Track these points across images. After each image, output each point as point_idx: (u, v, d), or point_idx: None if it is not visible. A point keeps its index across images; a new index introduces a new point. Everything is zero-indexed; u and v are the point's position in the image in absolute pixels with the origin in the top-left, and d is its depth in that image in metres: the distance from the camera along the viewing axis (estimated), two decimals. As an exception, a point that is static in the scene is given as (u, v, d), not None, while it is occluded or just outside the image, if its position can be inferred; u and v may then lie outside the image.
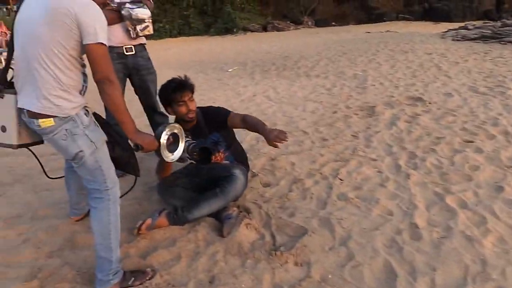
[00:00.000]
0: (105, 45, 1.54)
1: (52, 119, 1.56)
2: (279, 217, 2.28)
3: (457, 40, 9.52)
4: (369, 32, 13.16)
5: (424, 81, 5.34)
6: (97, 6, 1.58)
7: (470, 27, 11.42)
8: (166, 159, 1.92)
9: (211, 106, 2.65)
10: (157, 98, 3.06)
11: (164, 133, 1.85)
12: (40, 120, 1.56)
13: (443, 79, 5.40)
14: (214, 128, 2.47)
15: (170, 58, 10.46)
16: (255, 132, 2.39)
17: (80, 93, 1.64)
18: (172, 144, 1.94)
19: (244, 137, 3.53)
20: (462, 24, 12.35)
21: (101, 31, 1.53)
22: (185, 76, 2.40)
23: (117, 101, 1.59)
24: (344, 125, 3.83)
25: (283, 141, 2.12)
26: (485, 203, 2.29)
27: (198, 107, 2.45)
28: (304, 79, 6.33)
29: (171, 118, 2.64)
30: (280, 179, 2.77)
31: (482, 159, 2.85)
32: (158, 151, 1.85)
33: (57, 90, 1.55)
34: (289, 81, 6.25)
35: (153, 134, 1.89)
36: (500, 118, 3.64)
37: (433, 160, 2.90)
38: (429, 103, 4.29)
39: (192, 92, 2.36)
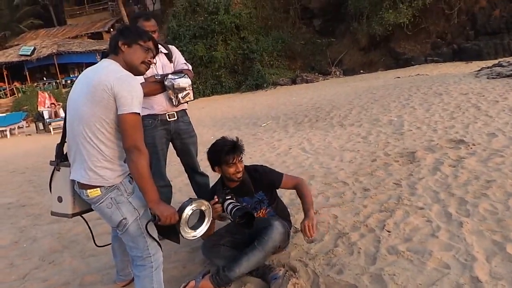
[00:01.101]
0: (138, 114, 1.62)
1: (99, 189, 1.65)
2: (327, 275, 2.19)
3: (493, 78, 9.30)
4: (399, 77, 13.19)
5: (463, 123, 5.20)
6: (133, 77, 1.68)
7: (504, 63, 11.19)
8: (184, 235, 1.78)
9: (260, 165, 2.66)
10: (197, 158, 3.18)
11: (189, 207, 1.75)
12: (88, 191, 1.66)
13: (484, 119, 5.23)
14: (261, 188, 2.51)
15: (204, 116, 10.89)
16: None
17: (124, 161, 1.73)
18: (198, 220, 1.86)
19: (284, 192, 3.52)
20: (495, 61, 12.14)
21: (136, 101, 1.61)
22: (237, 138, 2.46)
23: (142, 169, 1.59)
24: (385, 173, 3.74)
25: (307, 236, 2.24)
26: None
27: (245, 166, 2.49)
28: (338, 128, 6.34)
29: (213, 177, 2.69)
30: (324, 234, 2.70)
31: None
32: (178, 225, 1.73)
33: (101, 162, 1.64)
34: (323, 132, 6.28)
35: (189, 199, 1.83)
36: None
37: (486, 205, 2.73)
38: (473, 145, 4.13)
39: (242, 153, 2.43)
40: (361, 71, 19.19)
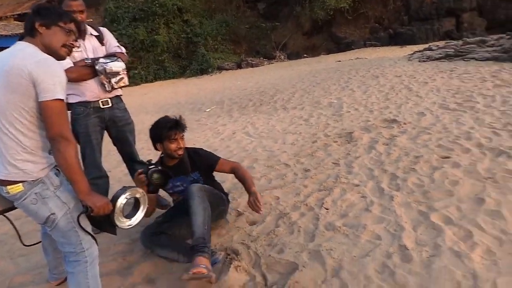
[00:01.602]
0: (62, 100, 1.50)
1: (20, 184, 1.53)
2: (268, 255, 2.24)
3: (423, 61, 9.94)
4: (340, 61, 13.64)
5: (396, 103, 5.51)
6: (54, 60, 1.54)
7: (434, 47, 11.99)
8: (119, 225, 1.70)
9: (201, 148, 2.72)
10: (135, 146, 3.08)
11: (122, 196, 1.69)
12: (8, 187, 1.52)
13: (415, 99, 5.58)
14: (197, 168, 2.56)
15: (146, 103, 10.53)
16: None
17: (50, 153, 1.60)
18: (133, 209, 1.80)
19: (227, 177, 3.52)
20: (426, 45, 12.96)
21: (59, 87, 1.49)
22: (180, 116, 2.52)
23: (70, 159, 1.49)
24: (324, 153, 3.88)
25: (256, 211, 2.33)
26: (468, 217, 2.31)
27: (185, 147, 2.54)
28: (282, 112, 6.45)
29: (154, 156, 2.62)
30: (266, 215, 2.75)
31: (460, 173, 2.91)
32: (112, 215, 1.66)
33: (22, 154, 1.51)
34: (267, 116, 6.35)
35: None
36: (472, 132, 3.75)
37: (414, 179, 2.94)
38: (404, 124, 4.40)
39: (184, 131, 2.49)
40: (305, 55, 19.58)
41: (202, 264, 1.90)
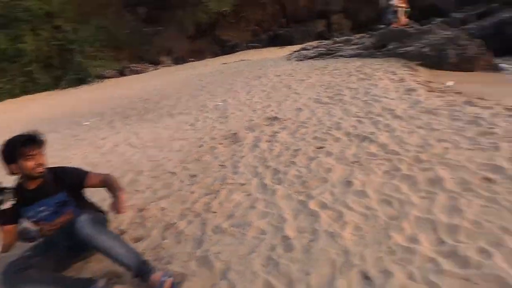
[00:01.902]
0: None
1: None
2: (154, 270, 2.13)
3: (300, 60, 10.73)
4: (225, 63, 13.91)
5: (277, 101, 5.82)
6: None
7: (308, 47, 13.05)
8: None
9: (66, 166, 2.45)
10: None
11: None
12: None
13: (293, 96, 5.97)
14: (64, 187, 2.28)
15: (13, 121, 9.25)
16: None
17: None
18: None
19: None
20: (302, 45, 14.03)
21: None
22: (34, 131, 2.22)
23: None
24: (211, 157, 3.88)
25: (117, 212, 2.15)
26: (340, 199, 2.54)
27: (47, 168, 2.25)
28: (168, 118, 6.28)
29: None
30: (152, 229, 2.62)
31: (332, 161, 3.18)
32: None
33: None
34: (152, 124, 6.12)
35: None
36: (341, 122, 4.15)
37: (294, 171, 3.12)
38: (285, 120, 4.66)
39: (42, 146, 2.21)
40: (191, 59, 19.50)
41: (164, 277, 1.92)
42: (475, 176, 2.47)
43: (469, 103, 4.08)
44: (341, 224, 2.25)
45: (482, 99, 4.27)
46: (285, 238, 2.22)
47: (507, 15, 9.73)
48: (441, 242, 1.95)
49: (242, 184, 3.08)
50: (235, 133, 4.48)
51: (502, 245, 1.82)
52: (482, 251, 1.81)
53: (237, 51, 19.02)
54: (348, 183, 2.73)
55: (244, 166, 3.44)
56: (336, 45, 11.81)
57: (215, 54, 19.54)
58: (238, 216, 2.58)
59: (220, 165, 3.60)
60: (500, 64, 7.32)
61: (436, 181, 2.52)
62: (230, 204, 2.77)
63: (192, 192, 3.09)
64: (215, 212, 2.69)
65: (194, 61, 19.10)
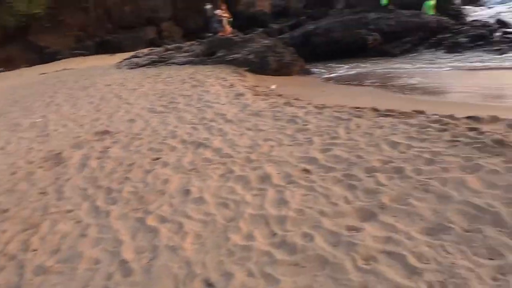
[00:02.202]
0: None
1: None
2: None
3: (132, 68, 10.28)
4: (44, 73, 12.21)
5: (108, 113, 5.40)
6: None
7: (140, 55, 12.61)
8: None
9: None
10: None
11: None
12: None
13: (125, 107, 5.64)
14: None
15: None
16: None
17: None
18: None
19: None
20: (133, 53, 13.46)
21: None
22: None
23: None
24: (28, 184, 3.30)
25: None
26: (179, 210, 2.49)
27: None
28: (-33, 143, 5.09)
29: None
30: None
31: (169, 171, 3.11)
32: None
33: None
34: None
35: None
36: (177, 130, 4.12)
37: (129, 188, 2.92)
38: (117, 133, 4.35)
39: None
40: (0, 69, 16.44)
41: None
42: (296, 169, 2.79)
43: (288, 104, 4.62)
44: (181, 236, 2.21)
45: (298, 99, 4.89)
46: (123, 263, 2.05)
47: (312, 27, 11.48)
48: (273, 234, 2.12)
49: (69, 211, 2.71)
50: (58, 153, 3.93)
51: (321, 227, 2.09)
52: (306, 236, 2.04)
53: (60, 59, 16.93)
54: (187, 192, 2.72)
55: (71, 190, 3.05)
56: (168, 52, 11.78)
57: (32, 63, 16.93)
58: (65, 249, 2.26)
59: (40, 192, 3.09)
60: (312, 69, 8.58)
61: (265, 178, 2.74)
62: (55, 237, 2.40)
63: (4, 231, 2.56)
64: (35, 250, 2.30)
65: (4, 70, 16.14)
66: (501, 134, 2.80)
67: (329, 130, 3.47)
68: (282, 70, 8.02)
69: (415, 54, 9.91)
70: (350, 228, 2.03)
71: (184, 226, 2.29)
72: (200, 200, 2.57)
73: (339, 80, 7.57)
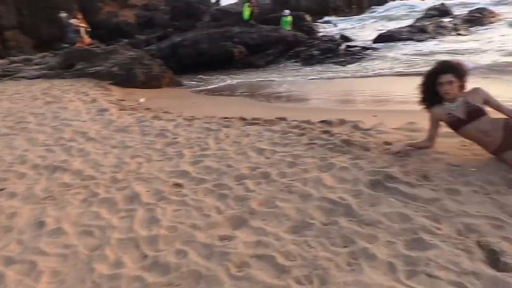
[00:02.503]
0: None
1: None
2: None
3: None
4: None
5: None
6: None
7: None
8: None
9: None
10: None
11: None
12: None
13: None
14: None
15: None
16: None
17: None
18: None
19: None
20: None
21: None
22: None
23: None
24: None
25: None
26: (31, 247, 2.15)
27: None
28: None
29: None
30: None
31: (18, 202, 2.67)
32: None
33: None
34: None
35: None
36: (27, 154, 3.58)
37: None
38: None
39: None
40: None
41: None
42: (166, 184, 2.69)
43: (157, 117, 4.47)
44: (34, 276, 1.90)
45: (167, 112, 4.78)
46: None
47: (179, 39, 11.47)
48: (144, 256, 1.99)
49: None
50: None
51: (194, 241, 2.05)
52: (179, 252, 1.97)
53: None
54: (40, 224, 2.36)
55: None
56: (14, 65, 10.29)
57: None
58: None
59: None
60: (183, 81, 8.53)
61: (133, 198, 2.57)
62: None
63: None
64: None
65: None
66: (347, 134, 3.21)
67: (199, 141, 3.47)
68: (150, 82, 7.78)
69: (278, 65, 10.78)
70: (223, 238, 2.04)
71: (38, 265, 1.98)
72: (58, 232, 2.26)
73: (210, 91, 7.71)
